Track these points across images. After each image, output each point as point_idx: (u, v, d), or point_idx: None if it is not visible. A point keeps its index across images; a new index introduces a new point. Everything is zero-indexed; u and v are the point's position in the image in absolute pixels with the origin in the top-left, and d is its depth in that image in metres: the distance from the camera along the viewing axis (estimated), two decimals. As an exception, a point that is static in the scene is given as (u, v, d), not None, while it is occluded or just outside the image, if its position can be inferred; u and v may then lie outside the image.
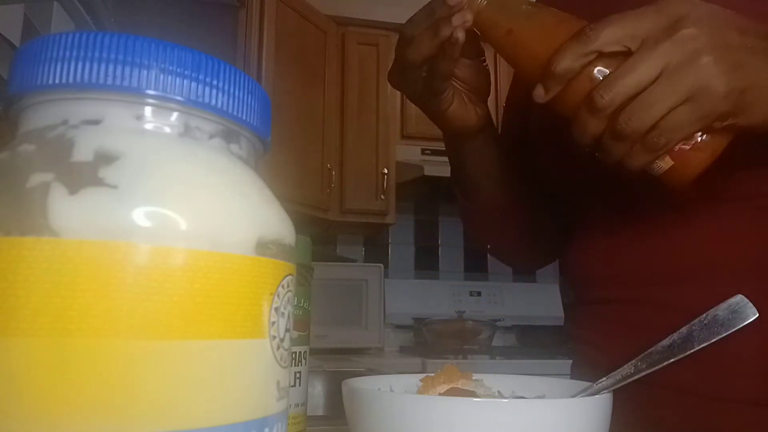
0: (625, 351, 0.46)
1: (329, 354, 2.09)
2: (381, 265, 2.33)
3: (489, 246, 0.74)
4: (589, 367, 0.60)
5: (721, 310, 0.41)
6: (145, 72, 0.19)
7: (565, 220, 0.69)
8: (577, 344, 0.65)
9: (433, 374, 0.41)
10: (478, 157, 0.61)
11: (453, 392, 0.39)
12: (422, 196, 2.51)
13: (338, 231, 2.53)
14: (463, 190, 0.67)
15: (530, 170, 0.67)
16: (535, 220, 0.70)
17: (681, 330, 0.41)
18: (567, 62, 0.39)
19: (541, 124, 0.64)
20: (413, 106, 0.56)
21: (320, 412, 1.64)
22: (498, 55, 0.48)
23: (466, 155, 0.61)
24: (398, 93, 2.41)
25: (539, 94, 0.41)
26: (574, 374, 0.66)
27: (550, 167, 0.65)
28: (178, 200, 0.18)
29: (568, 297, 0.69)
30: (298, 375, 0.42)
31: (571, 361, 0.68)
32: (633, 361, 0.42)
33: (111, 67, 0.19)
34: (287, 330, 0.21)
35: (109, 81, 0.19)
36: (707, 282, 0.51)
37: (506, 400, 0.38)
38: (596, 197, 0.61)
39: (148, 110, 0.19)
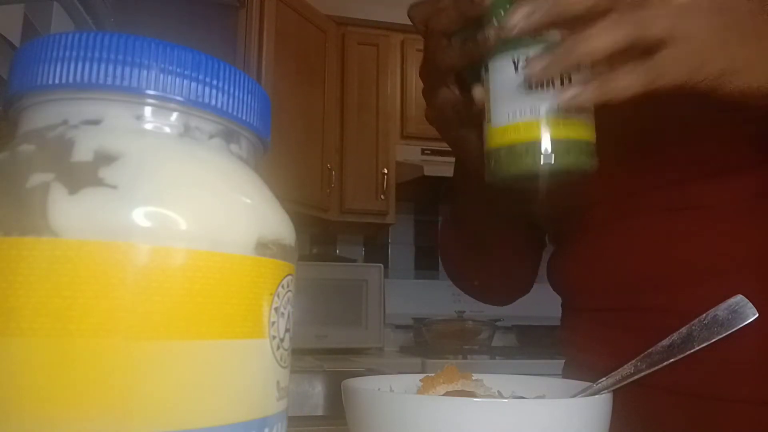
0: (617, 355, 0.46)
1: (329, 354, 2.09)
2: (381, 265, 2.32)
3: (475, 282, 0.75)
4: (580, 369, 0.60)
5: (721, 310, 0.41)
6: (145, 72, 0.19)
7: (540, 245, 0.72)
8: (566, 347, 0.66)
9: (432, 374, 0.41)
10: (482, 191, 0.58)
11: (453, 392, 0.39)
12: (422, 196, 2.50)
13: (338, 231, 2.53)
14: (457, 217, 0.68)
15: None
16: (515, 258, 0.72)
17: (681, 330, 0.41)
18: None
19: None
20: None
21: (320, 412, 1.64)
22: None
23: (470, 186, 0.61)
24: (398, 93, 2.43)
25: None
26: (566, 375, 0.66)
27: None
28: (177, 200, 0.18)
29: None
30: None
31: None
32: (633, 362, 0.41)
33: (111, 67, 0.19)
34: (287, 330, 0.21)
35: (109, 81, 0.19)
36: (700, 286, 0.51)
37: (506, 400, 0.38)
38: (592, 203, 0.60)
39: (148, 110, 0.19)
